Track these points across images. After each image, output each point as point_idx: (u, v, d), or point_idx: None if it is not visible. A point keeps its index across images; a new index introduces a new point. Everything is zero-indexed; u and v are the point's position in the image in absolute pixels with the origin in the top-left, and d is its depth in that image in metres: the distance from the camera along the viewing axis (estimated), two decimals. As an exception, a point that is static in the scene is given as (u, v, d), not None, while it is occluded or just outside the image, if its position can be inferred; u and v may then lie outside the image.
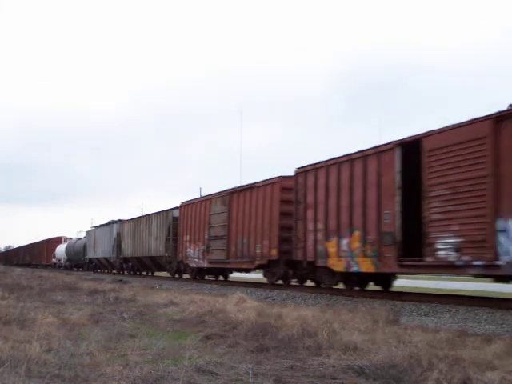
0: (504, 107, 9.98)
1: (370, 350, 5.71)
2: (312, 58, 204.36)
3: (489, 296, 13.98)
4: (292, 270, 16.98)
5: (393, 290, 16.76)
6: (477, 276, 11.87)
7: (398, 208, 12.46)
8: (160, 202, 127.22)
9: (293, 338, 6.44)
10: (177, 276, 27.12)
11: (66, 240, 56.27)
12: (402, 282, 24.26)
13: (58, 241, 57.76)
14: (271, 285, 18.09)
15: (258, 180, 18.54)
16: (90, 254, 42.44)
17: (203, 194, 23.58)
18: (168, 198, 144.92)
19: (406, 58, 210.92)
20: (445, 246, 11.16)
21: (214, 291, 17.03)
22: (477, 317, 9.56)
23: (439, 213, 11.37)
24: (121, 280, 24.39)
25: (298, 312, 9.15)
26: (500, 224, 9.99)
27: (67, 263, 51.50)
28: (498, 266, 10.06)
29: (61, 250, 54.25)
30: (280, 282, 17.94)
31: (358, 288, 15.32)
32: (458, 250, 10.87)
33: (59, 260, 54.48)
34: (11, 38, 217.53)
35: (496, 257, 10.05)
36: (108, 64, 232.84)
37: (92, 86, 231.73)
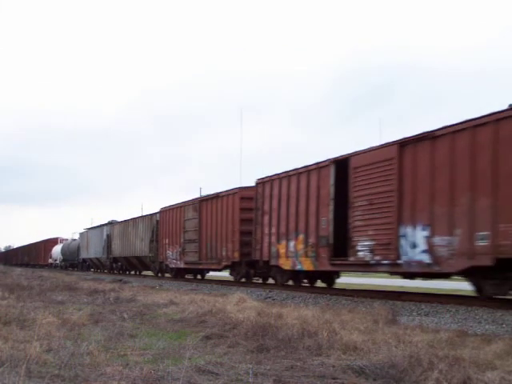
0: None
1: (370, 349, 5.70)
2: (312, 59, 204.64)
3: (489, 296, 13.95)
4: (253, 269, 19.12)
5: (392, 289, 16.82)
6: (389, 273, 13.73)
7: (331, 216, 14.39)
8: (160, 202, 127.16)
9: (293, 337, 6.43)
10: (159, 275, 28.76)
11: (61, 241, 57.65)
12: (401, 282, 24.25)
13: (54, 242, 59.00)
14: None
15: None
16: (83, 255, 44.15)
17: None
18: (168, 198, 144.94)
19: (405, 58, 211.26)
20: (363, 248, 13.11)
21: (214, 291, 17.04)
22: (477, 317, 9.54)
23: (360, 220, 13.33)
24: (121, 280, 24.43)
25: (298, 312, 9.14)
26: (401, 230, 11.96)
27: (63, 263, 52.66)
28: (400, 265, 12.07)
29: (57, 250, 55.46)
30: (243, 279, 19.93)
31: (307, 285, 17.36)
32: (372, 251, 12.83)
33: (55, 260, 55.59)
34: (11, 38, 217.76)
35: (398, 257, 12.03)
36: (108, 64, 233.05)
37: (92, 85, 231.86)
